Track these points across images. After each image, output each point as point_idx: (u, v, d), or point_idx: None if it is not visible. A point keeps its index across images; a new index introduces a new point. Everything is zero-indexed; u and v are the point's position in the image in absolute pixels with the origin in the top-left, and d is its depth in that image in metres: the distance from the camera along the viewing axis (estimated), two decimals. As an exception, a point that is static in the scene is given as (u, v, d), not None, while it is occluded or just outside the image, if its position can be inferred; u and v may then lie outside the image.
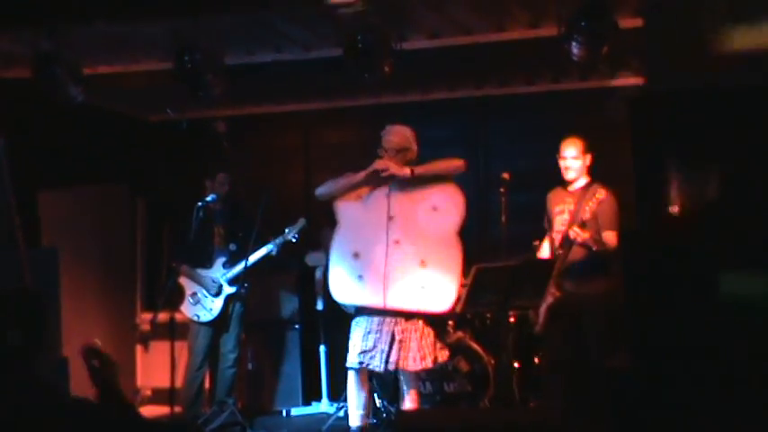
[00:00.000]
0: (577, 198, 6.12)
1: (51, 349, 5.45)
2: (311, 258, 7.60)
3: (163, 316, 7.05)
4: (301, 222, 6.94)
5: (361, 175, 5.80)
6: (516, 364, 6.79)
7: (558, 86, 7.85)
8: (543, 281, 5.81)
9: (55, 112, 6.43)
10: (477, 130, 8.34)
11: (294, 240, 6.91)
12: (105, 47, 6.17)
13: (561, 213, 6.19)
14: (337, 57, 5.56)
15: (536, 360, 6.85)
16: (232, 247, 7.03)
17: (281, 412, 7.80)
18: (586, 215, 5.93)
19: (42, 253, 6.13)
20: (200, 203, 6.52)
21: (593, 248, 5.95)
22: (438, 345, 5.86)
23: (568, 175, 6.18)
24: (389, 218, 5.71)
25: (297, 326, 7.90)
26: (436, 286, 5.67)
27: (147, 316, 7.89)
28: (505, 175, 6.40)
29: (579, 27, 5.05)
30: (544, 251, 6.34)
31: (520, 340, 6.73)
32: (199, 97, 5.81)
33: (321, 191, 5.95)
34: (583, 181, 6.20)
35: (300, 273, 7.90)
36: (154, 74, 6.64)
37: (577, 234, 5.91)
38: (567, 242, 6.03)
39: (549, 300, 6.03)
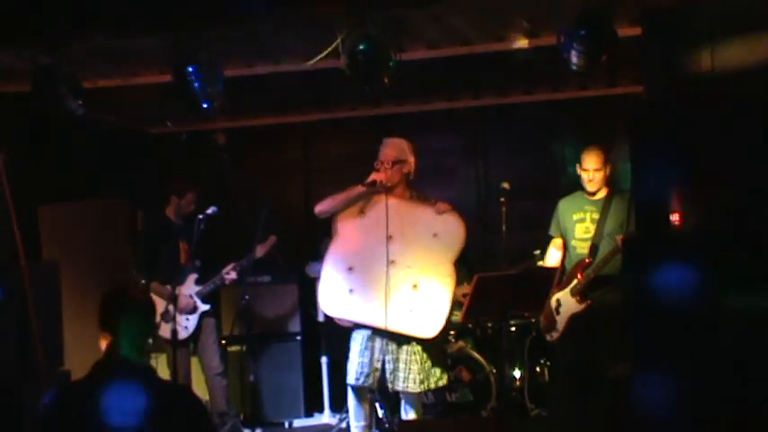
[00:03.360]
0: (602, 207, 6.11)
1: (53, 363, 5.44)
2: (312, 269, 7.58)
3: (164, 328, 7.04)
4: (272, 240, 6.94)
5: (359, 188, 5.72)
6: (517, 374, 6.80)
7: (557, 96, 7.85)
8: (544, 289, 5.80)
9: (55, 126, 6.44)
10: (476, 139, 8.36)
11: (262, 257, 6.90)
12: (105, 60, 6.18)
13: (582, 221, 6.16)
14: (337, 68, 5.56)
15: (537, 369, 6.85)
16: (197, 262, 6.91)
17: (284, 424, 7.81)
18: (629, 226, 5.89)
19: (43, 266, 6.10)
20: (200, 216, 6.52)
21: None
22: (438, 370, 5.74)
23: (591, 187, 6.14)
24: (388, 237, 5.62)
25: (298, 337, 7.91)
26: (425, 311, 5.54)
27: (148, 328, 7.87)
28: (505, 185, 6.40)
29: (578, 36, 5.05)
30: (552, 258, 6.30)
31: (530, 348, 6.74)
32: (198, 110, 5.81)
33: (321, 208, 5.82)
34: (603, 191, 6.17)
35: (301, 284, 7.90)
36: (153, 87, 6.63)
37: None
38: (596, 250, 6.02)
39: (576, 308, 6.00)
